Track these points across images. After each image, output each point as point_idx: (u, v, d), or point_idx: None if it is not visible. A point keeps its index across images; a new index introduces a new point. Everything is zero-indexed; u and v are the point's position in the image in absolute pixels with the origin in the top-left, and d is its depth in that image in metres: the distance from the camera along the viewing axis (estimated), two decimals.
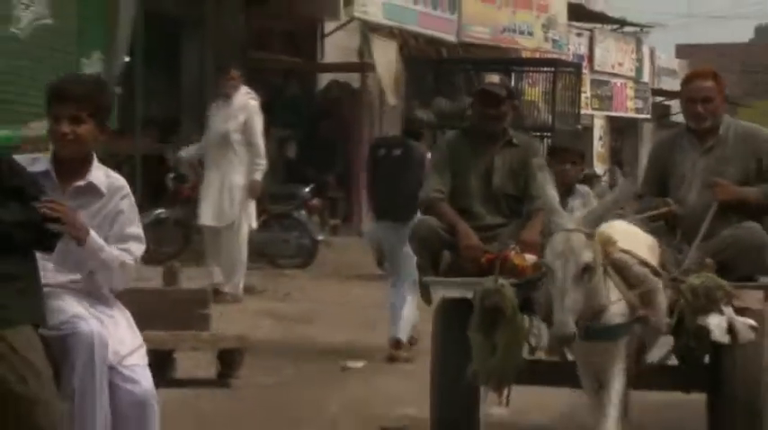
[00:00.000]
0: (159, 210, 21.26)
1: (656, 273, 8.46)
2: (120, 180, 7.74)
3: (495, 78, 10.61)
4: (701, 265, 8.84)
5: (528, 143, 9.74)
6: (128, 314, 7.86)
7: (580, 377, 8.48)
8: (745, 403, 9.05)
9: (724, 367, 8.99)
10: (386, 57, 26.27)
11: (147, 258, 20.66)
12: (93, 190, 7.54)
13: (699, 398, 9.53)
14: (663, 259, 8.94)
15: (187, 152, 19.22)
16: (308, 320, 16.86)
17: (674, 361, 9.39)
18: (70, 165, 7.56)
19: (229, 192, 17.88)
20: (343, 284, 20.65)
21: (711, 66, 9.77)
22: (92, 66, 20.49)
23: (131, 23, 20.90)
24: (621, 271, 8.12)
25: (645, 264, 8.42)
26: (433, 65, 27.72)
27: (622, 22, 41.63)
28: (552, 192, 8.00)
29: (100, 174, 7.61)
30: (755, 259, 9.13)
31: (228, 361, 7.82)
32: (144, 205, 21.14)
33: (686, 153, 9.58)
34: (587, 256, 7.60)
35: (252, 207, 18.26)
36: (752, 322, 8.60)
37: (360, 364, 13.69)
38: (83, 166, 7.57)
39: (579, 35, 35.91)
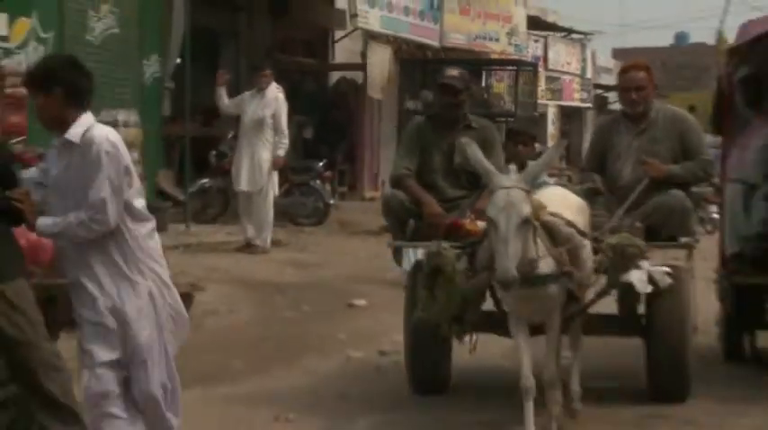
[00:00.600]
0: (204, 180, 21.25)
1: (581, 233, 8.21)
2: (97, 137, 7.09)
3: (454, 72, 10.29)
4: (631, 228, 8.69)
5: (484, 126, 9.55)
6: None
7: (510, 325, 8.20)
8: (672, 344, 8.98)
9: (654, 314, 8.94)
10: (382, 59, 26.30)
11: (196, 218, 20.61)
12: (68, 143, 7.10)
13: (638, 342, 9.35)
14: (593, 221, 8.75)
15: (224, 102, 19.00)
16: (322, 267, 16.88)
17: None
18: (59, 130, 7.19)
19: (259, 165, 17.91)
20: (349, 239, 20.71)
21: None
22: (150, 66, 20.46)
23: (181, 33, 20.88)
24: (550, 231, 7.86)
25: (571, 225, 8.14)
26: (421, 65, 27.74)
27: (570, 31, 41.43)
28: (487, 162, 7.69)
29: (78, 131, 7.09)
30: (679, 222, 9.08)
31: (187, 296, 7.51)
32: (192, 176, 21.14)
33: (622, 134, 9.49)
34: (526, 209, 7.33)
35: (276, 177, 18.32)
36: (667, 269, 8.53)
37: (362, 302, 13.71)
38: (64, 128, 7.13)
39: (536, 41, 35.74)
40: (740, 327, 11.43)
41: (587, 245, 8.27)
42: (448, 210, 8.99)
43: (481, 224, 8.31)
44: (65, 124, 7.15)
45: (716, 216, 11.84)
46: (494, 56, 30.41)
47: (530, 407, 7.74)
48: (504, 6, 29.76)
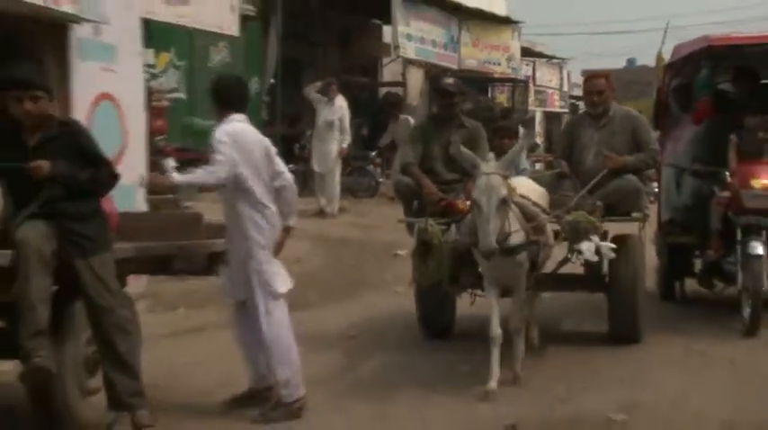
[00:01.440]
0: (290, 165, 21.22)
1: (544, 211, 7.96)
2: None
3: (450, 80, 10.08)
4: (593, 206, 8.36)
5: (474, 125, 9.15)
6: None
7: (485, 286, 7.89)
8: (626, 297, 8.86)
9: (613, 274, 8.77)
10: (416, 78, 26.44)
11: None
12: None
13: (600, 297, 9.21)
14: (560, 199, 8.46)
15: (311, 92, 18.89)
16: (374, 227, 16.88)
17: None
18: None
19: (329, 154, 17.96)
20: (393, 207, 20.61)
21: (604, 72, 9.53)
22: (252, 86, 20.43)
23: (274, 62, 20.93)
24: (521, 209, 7.51)
25: (536, 205, 7.88)
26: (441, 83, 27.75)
27: (551, 57, 41.15)
28: (472, 154, 7.43)
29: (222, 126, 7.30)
30: (633, 201, 8.92)
31: (215, 258, 7.43)
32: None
33: (586, 129, 9.28)
34: (503, 191, 6.98)
35: (341, 163, 18.35)
36: (612, 245, 8.22)
37: (403, 252, 13.68)
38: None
39: (527, 65, 35.46)
40: (672, 277, 11.40)
41: (548, 221, 7.98)
42: (445, 190, 8.69)
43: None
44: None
45: (656, 190, 11.73)
46: (497, 75, 30.26)
47: (496, 352, 7.49)
48: (503, 40, 29.62)
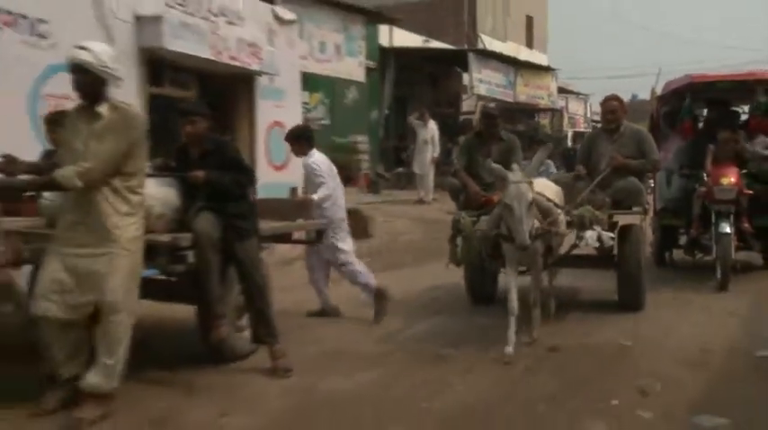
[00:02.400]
0: (399, 169, 21.35)
1: (556, 206, 6.87)
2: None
3: (492, 105, 9.11)
4: (602, 200, 7.59)
5: (510, 138, 8.22)
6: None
7: (507, 266, 6.64)
8: (632, 274, 7.88)
9: (621, 254, 7.87)
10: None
11: (395, 187, 20.64)
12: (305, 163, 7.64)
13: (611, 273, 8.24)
14: (568, 199, 7.39)
15: (412, 120, 18.64)
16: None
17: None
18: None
19: (425, 161, 17.81)
20: None
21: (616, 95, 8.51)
22: (372, 115, 20.54)
23: (389, 99, 20.95)
24: (537, 204, 6.37)
25: (550, 201, 6.82)
26: (505, 111, 27.41)
27: (578, 93, 40.43)
28: (501, 168, 6.28)
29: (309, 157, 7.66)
30: (634, 198, 7.99)
31: (321, 233, 7.32)
32: (393, 166, 21.08)
33: (602, 141, 8.38)
34: (530, 196, 6.03)
35: (433, 167, 18.04)
36: (612, 235, 7.25)
37: None
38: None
39: (562, 99, 34.92)
40: (664, 249, 11.27)
41: (561, 214, 6.89)
42: (485, 190, 7.85)
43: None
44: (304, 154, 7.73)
45: (652, 185, 11.61)
46: (541, 106, 29.85)
47: (512, 321, 6.33)
48: (545, 82, 29.19)
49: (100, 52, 4.67)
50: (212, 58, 10.14)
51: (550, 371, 5.94)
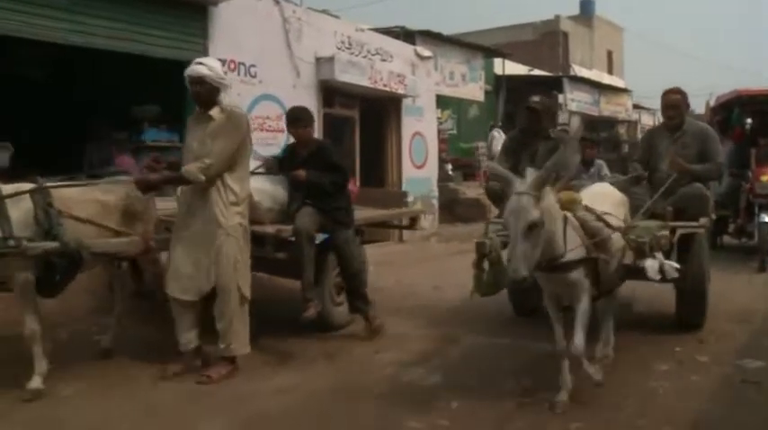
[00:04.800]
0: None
1: (608, 226, 3.96)
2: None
3: (536, 98, 5.55)
4: (663, 210, 4.92)
5: (559, 136, 5.62)
6: None
7: (545, 301, 3.97)
8: (694, 291, 5.22)
9: (682, 268, 4.62)
10: (575, 121, 24.90)
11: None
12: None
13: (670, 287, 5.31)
14: (633, 202, 4.75)
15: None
16: None
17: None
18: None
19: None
20: None
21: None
22: (489, 126, 20.09)
23: (501, 114, 20.46)
24: (582, 225, 3.79)
25: (600, 219, 3.94)
26: (589, 122, 26.19)
27: (648, 109, 36.59)
28: (506, 171, 3.58)
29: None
30: (699, 206, 5.14)
31: (415, 220, 6.22)
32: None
33: (662, 139, 5.55)
34: (534, 214, 3.26)
35: None
36: (676, 265, 4.32)
37: None
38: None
39: (636, 113, 32.93)
40: (716, 234, 10.37)
41: (612, 236, 3.99)
42: None
43: None
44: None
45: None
46: (620, 119, 28.42)
47: (566, 365, 3.79)
48: (623, 100, 27.82)
49: (214, 66, 4.17)
50: (370, 85, 10.36)
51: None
